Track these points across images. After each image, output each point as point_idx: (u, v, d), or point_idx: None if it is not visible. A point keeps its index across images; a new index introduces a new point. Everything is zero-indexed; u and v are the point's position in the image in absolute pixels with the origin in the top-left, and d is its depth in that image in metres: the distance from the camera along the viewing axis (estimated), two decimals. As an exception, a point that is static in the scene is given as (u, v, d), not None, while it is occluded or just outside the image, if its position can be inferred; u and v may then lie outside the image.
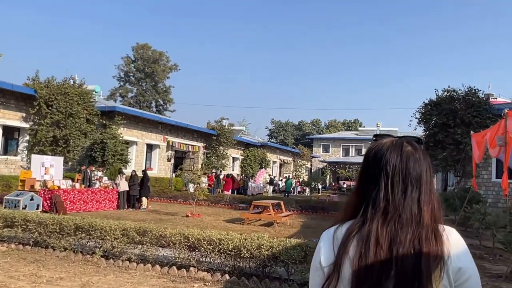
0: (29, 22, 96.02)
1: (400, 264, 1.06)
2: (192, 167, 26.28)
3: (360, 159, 44.56)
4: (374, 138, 1.26)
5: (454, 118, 16.79)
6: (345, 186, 42.05)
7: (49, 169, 15.81)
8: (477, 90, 17.69)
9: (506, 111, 8.01)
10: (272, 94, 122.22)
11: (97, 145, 20.34)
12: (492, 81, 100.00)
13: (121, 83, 56.98)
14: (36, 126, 18.52)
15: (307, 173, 49.50)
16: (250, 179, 32.06)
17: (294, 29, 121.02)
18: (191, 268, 6.44)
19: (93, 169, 17.72)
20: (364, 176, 1.21)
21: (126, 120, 22.60)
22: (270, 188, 32.51)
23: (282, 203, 15.65)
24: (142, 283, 5.95)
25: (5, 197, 13.09)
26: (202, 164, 29.26)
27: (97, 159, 19.98)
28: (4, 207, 11.54)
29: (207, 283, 6.04)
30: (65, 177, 16.70)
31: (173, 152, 28.08)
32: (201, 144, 30.76)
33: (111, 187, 16.84)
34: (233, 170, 34.52)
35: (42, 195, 13.74)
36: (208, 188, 17.61)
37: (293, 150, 47.23)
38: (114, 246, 7.02)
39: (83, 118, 19.34)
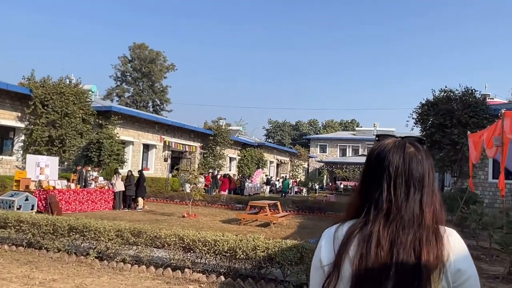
0: (29, 22, 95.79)
1: (400, 264, 1.07)
2: (189, 167, 26.24)
3: (357, 159, 44.76)
4: (377, 139, 1.26)
5: (451, 118, 16.77)
6: (342, 186, 41.97)
7: (44, 169, 15.70)
8: (474, 91, 17.68)
9: (503, 111, 7.99)
10: (271, 94, 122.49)
11: (93, 145, 20.25)
12: (491, 81, 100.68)
13: (118, 83, 56.88)
14: (32, 126, 18.43)
15: (304, 173, 49.53)
16: (247, 179, 32.00)
17: (294, 29, 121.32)
18: (186, 270, 6.38)
19: (89, 169, 17.67)
20: (366, 176, 1.21)
21: (122, 120, 22.51)
22: (267, 188, 32.49)
23: (279, 203, 15.64)
24: (137, 284, 5.89)
25: (0, 197, 12.99)
26: (199, 164, 29.22)
27: (93, 159, 19.91)
28: (-2, 208, 11.46)
29: (202, 285, 5.98)
30: (61, 177, 16.61)
31: (170, 152, 27.99)
32: (198, 144, 30.69)
33: (106, 187, 16.76)
34: (230, 170, 34.45)
35: (37, 195, 13.64)
36: (204, 188, 17.57)
37: (290, 150, 47.25)
38: (109, 247, 6.96)
39: (79, 118, 19.24)
